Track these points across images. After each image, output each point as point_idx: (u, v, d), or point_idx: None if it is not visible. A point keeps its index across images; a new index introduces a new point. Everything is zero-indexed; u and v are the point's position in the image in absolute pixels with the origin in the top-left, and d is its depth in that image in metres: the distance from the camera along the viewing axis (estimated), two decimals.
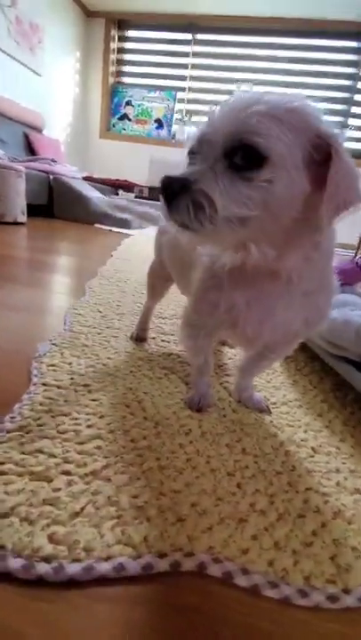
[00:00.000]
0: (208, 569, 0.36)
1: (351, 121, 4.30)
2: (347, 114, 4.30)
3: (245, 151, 0.36)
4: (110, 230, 3.26)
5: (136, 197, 4.73)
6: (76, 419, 0.56)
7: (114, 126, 5.09)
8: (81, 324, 0.94)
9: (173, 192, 0.37)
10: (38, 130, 4.00)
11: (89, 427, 0.55)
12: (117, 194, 4.66)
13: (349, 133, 4.31)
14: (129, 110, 4.97)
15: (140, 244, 2.63)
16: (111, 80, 4.95)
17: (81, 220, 3.52)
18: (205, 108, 0.40)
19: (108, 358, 0.77)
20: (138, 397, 0.64)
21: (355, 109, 4.26)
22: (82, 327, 0.92)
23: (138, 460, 0.49)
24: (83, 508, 0.41)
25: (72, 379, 0.67)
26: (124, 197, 4.59)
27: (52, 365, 0.70)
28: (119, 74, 4.98)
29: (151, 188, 4.89)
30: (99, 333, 0.90)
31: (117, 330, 0.94)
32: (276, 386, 0.77)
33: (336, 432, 0.63)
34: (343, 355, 0.71)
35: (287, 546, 0.40)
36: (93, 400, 0.62)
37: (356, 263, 1.21)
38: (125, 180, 4.80)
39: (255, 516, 0.43)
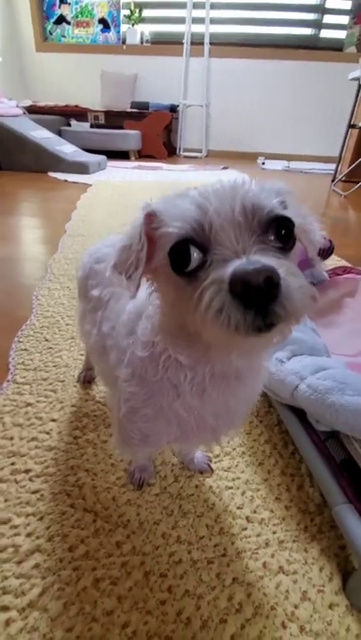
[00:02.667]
0: None
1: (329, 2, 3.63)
2: None
3: (278, 228, 0.30)
4: (66, 181, 2.96)
5: (92, 127, 4.20)
6: (16, 526, 0.58)
7: (51, 34, 4.25)
8: (26, 366, 0.92)
9: (268, 291, 0.25)
10: None
11: (28, 535, 0.57)
12: (69, 124, 4.11)
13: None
14: (65, 10, 4.10)
15: (97, 205, 2.41)
16: None
17: (32, 169, 3.16)
18: None
19: (52, 420, 0.77)
20: (79, 481, 0.65)
21: None
22: (27, 372, 0.90)
23: (74, 577, 0.52)
24: None
25: (13, 464, 0.67)
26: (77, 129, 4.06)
27: None
28: None
29: (108, 113, 4.31)
30: (45, 379, 0.88)
31: (65, 368, 0.92)
32: None
33: (274, 487, 0.67)
34: (281, 401, 0.71)
35: None
36: (34, 492, 0.63)
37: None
38: (76, 106, 4.20)
39: (180, 629, 0.48)
